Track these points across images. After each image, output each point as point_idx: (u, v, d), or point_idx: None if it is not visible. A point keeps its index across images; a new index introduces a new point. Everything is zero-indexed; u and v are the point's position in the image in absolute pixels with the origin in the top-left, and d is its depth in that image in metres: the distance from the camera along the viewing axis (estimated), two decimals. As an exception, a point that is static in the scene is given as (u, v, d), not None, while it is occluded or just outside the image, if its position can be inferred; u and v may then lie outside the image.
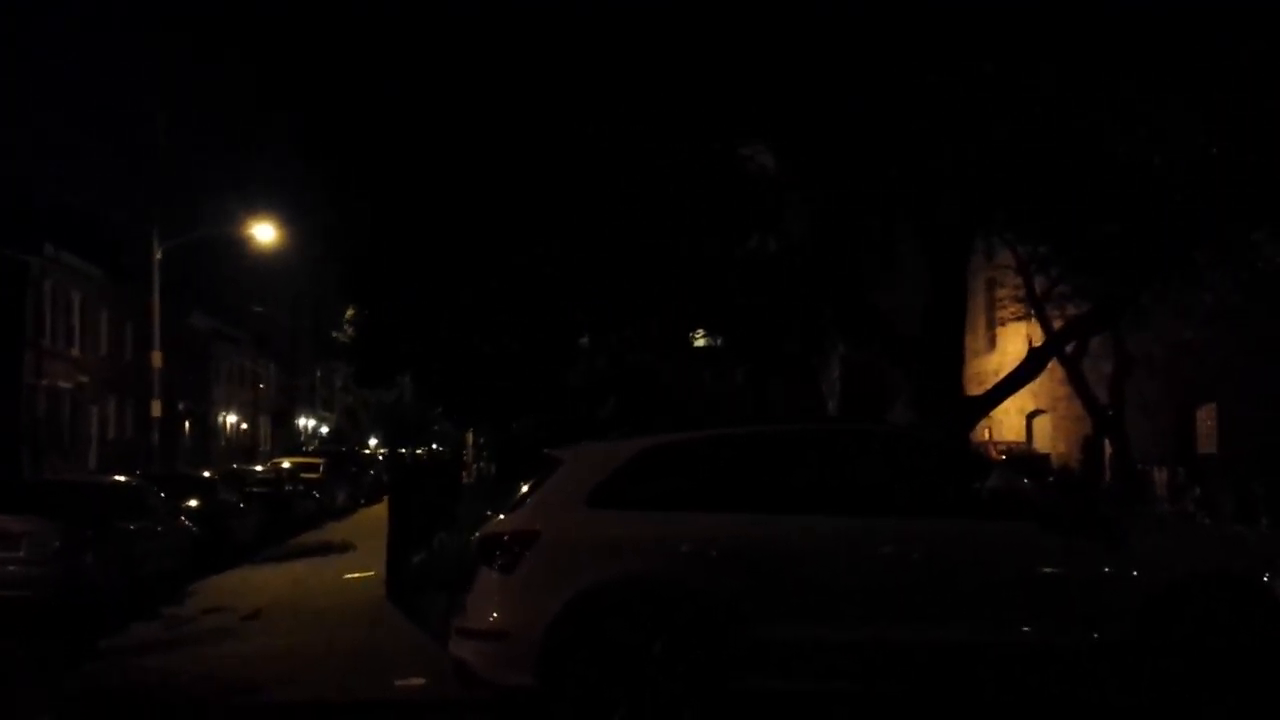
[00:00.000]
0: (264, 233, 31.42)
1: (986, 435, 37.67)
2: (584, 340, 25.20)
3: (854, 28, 9.19)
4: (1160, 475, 21.08)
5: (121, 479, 16.01)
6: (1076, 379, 21.57)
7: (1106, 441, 23.17)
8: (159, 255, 30.89)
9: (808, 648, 6.27)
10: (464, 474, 31.47)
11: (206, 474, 21.28)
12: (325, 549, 18.86)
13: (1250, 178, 9.75)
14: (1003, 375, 12.26)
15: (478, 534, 6.84)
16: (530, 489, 6.95)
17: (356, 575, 14.60)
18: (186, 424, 46.71)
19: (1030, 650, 6.33)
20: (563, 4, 10.66)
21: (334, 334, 22.71)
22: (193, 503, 17.42)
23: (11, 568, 11.63)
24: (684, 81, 11.00)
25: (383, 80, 11.85)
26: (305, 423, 68.72)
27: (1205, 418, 28.97)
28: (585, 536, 6.44)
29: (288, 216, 29.72)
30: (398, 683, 8.24)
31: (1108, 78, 9.10)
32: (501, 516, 6.90)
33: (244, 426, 56.86)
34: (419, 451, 51.42)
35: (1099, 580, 6.37)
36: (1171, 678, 6.22)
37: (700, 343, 26.27)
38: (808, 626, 6.27)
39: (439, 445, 58.58)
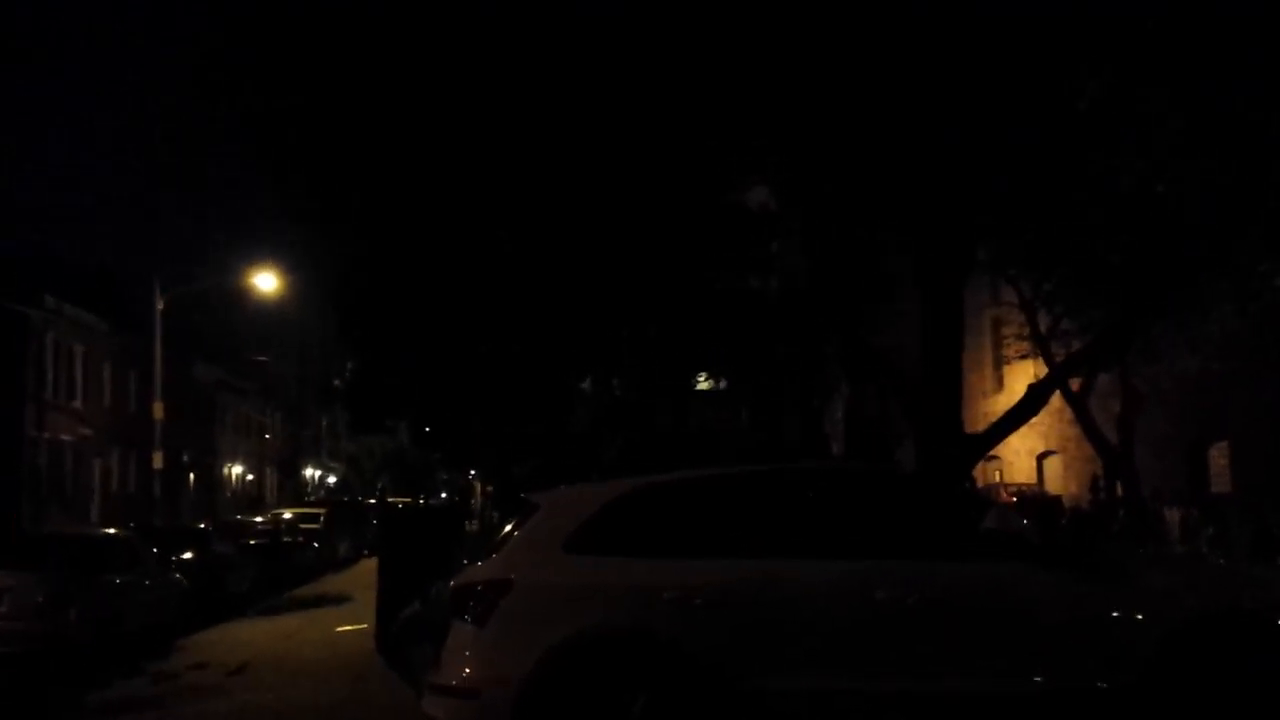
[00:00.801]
0: (266, 282, 31.42)
1: (998, 477, 37.26)
2: (585, 385, 25.02)
3: (851, 66, 9.05)
4: (1173, 514, 20.66)
5: (111, 532, 15.77)
6: (1084, 418, 21.24)
7: (1118, 481, 22.76)
8: (161, 306, 30.88)
9: (798, 699, 5.96)
10: (470, 521, 31.17)
11: (202, 526, 20.98)
12: (320, 601, 18.53)
13: (1254, 205, 9.54)
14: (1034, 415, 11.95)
15: (451, 584, 6.55)
16: (506, 536, 6.68)
17: (349, 628, 14.27)
18: (191, 475, 46.50)
19: (1035, 697, 6.00)
20: (563, 47, 10.58)
21: (335, 381, 22.53)
22: (187, 555, 17.16)
23: (-2, 622, 11.41)
24: (685, 123, 10.90)
25: (380, 139, 11.76)
26: (312, 473, 68.43)
27: (1218, 455, 28.56)
28: (561, 585, 6.14)
29: (290, 265, 29.68)
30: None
31: (1111, 104, 8.94)
32: (478, 565, 6.62)
33: (250, 477, 56.62)
34: (423, 499, 51.07)
35: (1104, 622, 6.05)
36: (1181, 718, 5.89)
37: (703, 385, 26.06)
38: (798, 677, 5.96)
39: (446, 493, 58.27)
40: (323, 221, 13.97)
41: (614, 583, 6.11)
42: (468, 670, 6.09)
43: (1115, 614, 6.02)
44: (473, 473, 45.80)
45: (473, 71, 11.00)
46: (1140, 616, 6.02)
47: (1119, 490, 22.51)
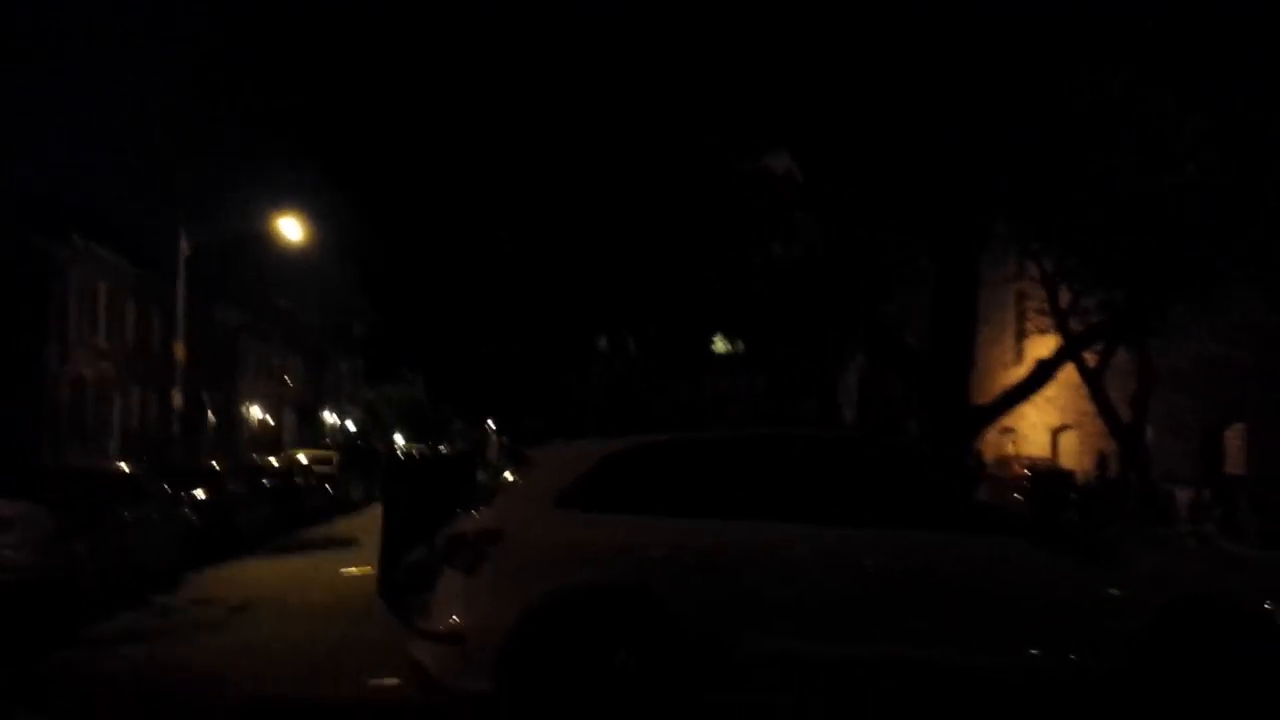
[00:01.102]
0: (291, 229, 31.39)
1: (1011, 450, 37.21)
2: (601, 343, 25.04)
3: (874, 41, 9.00)
4: (1182, 495, 20.58)
5: (123, 467, 15.94)
6: (1098, 394, 21.12)
7: (1130, 459, 22.66)
8: (187, 251, 31.01)
9: (783, 662, 6.01)
10: (483, 471, 31.34)
11: (215, 465, 21.20)
12: (329, 544, 18.76)
13: (1253, 204, 9.45)
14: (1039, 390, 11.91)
15: (447, 532, 6.63)
16: (502, 488, 6.75)
17: (354, 571, 14.46)
18: (210, 415, 46.93)
19: (1018, 673, 6.03)
20: (591, 25, 10.60)
21: (353, 328, 22.64)
22: (199, 493, 17.34)
23: (4, 551, 11.56)
24: (709, 95, 10.90)
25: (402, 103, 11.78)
26: (331, 418, 68.96)
27: (1234, 438, 28.40)
28: (551, 539, 6.20)
29: (314, 212, 29.71)
30: (371, 682, 8.05)
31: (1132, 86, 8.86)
32: (473, 515, 6.69)
33: (269, 420, 57.09)
34: (441, 448, 51.42)
35: (1090, 602, 6.06)
36: (1165, 704, 5.91)
37: (719, 347, 26.04)
38: (783, 640, 6.01)
39: (463, 443, 58.58)
40: (337, 191, 14.03)
41: (603, 539, 6.16)
42: (455, 617, 6.17)
43: (1102, 595, 6.04)
44: (490, 424, 45.99)
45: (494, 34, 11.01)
46: (1127, 598, 6.03)
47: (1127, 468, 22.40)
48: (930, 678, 6.02)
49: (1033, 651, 6.01)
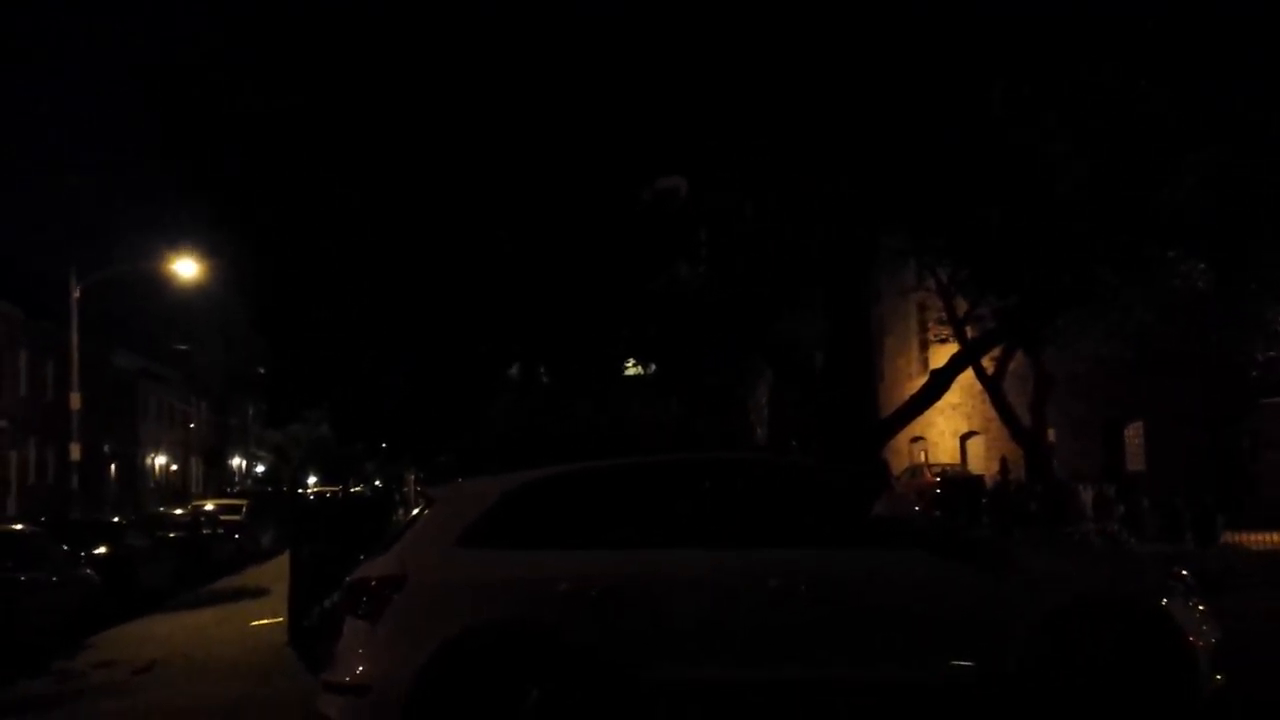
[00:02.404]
0: (185, 268, 30.83)
1: (923, 457, 37.90)
2: (512, 372, 24.86)
3: (758, 58, 9.14)
4: (1086, 493, 21.17)
5: (17, 527, 15.37)
6: (998, 400, 21.66)
7: (1035, 462, 23.24)
8: (77, 293, 30.17)
9: (692, 690, 6.01)
10: (400, 510, 30.87)
11: (115, 520, 20.55)
12: (238, 595, 18.27)
13: (1151, 200, 9.80)
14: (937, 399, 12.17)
15: (346, 580, 6.50)
16: (403, 530, 6.65)
17: (265, 622, 14.10)
18: (113, 466, 45.54)
19: (920, 684, 6.11)
20: (486, 53, 10.62)
21: (260, 369, 22.14)
22: (100, 550, 16.80)
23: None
24: (597, 115, 10.99)
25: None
26: (239, 462, 67.40)
27: (1134, 435, 29.36)
28: (455, 579, 6.12)
29: (207, 250, 29.12)
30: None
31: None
32: (374, 560, 6.57)
33: (174, 468, 55.58)
34: (356, 489, 50.50)
35: (986, 608, 6.17)
36: (1060, 707, 6.03)
37: (631, 372, 26.06)
38: (692, 667, 6.01)
39: (379, 482, 57.64)
40: (225, 225, 13.81)
41: (507, 577, 6.11)
42: (360, 667, 6.05)
43: (996, 600, 6.14)
44: (403, 462, 45.37)
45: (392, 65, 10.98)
46: (1020, 602, 6.13)
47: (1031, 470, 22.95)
48: (836, 694, 6.07)
49: (934, 660, 6.09)
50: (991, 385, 21.61)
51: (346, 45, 10.81)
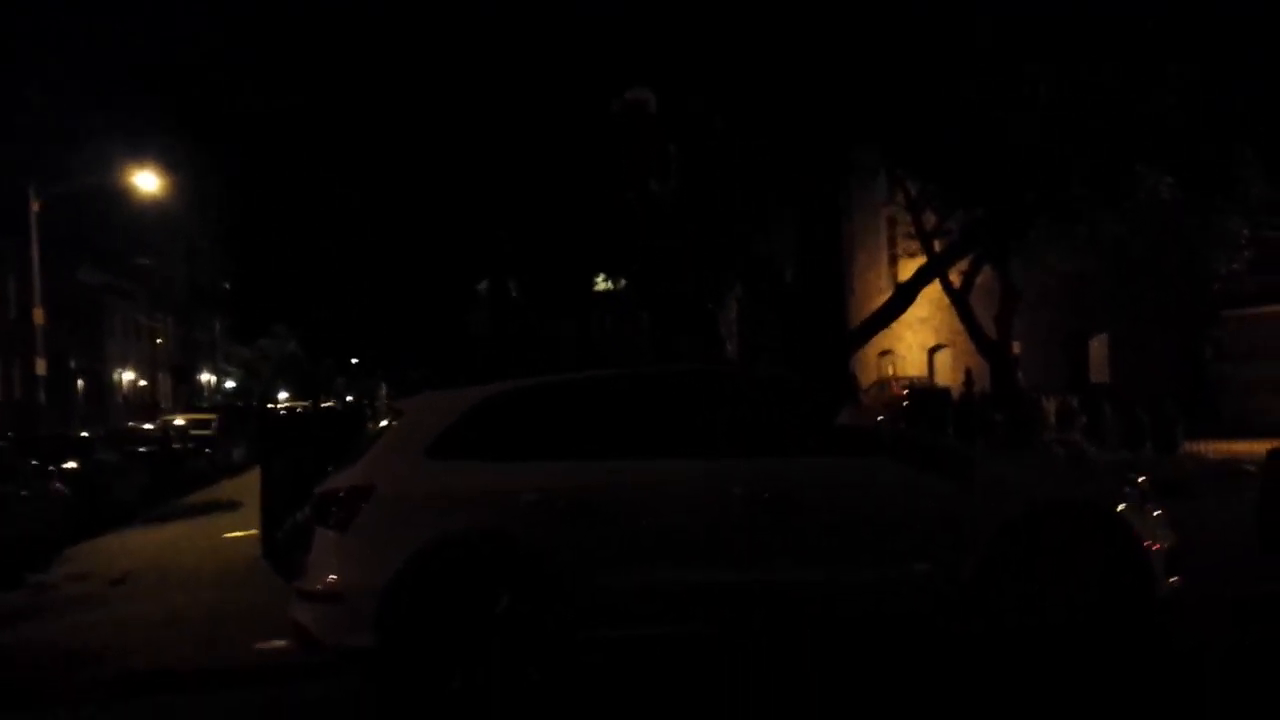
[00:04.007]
0: (146, 182, 30.29)
1: (890, 371, 38.27)
2: (481, 287, 24.79)
3: None
4: (1049, 404, 21.50)
5: (-17, 443, 15.32)
6: (965, 314, 21.83)
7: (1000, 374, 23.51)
8: (37, 207, 29.65)
9: (658, 594, 6.13)
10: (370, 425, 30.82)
11: (85, 434, 20.50)
12: (211, 508, 18.37)
13: (1124, 110, 9.80)
14: (905, 313, 12.23)
15: (316, 491, 6.55)
16: (371, 441, 6.69)
17: (238, 534, 14.20)
18: (80, 383, 45.26)
19: (884, 586, 6.26)
20: None
21: (225, 285, 21.93)
22: (70, 465, 16.79)
23: None
24: (571, 31, 10.83)
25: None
26: (208, 378, 67.10)
27: (1098, 348, 29.75)
28: (424, 490, 6.18)
29: (171, 164, 28.61)
30: (257, 645, 7.95)
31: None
32: (342, 471, 6.62)
33: (142, 383, 55.27)
34: (327, 405, 50.45)
35: (948, 513, 6.30)
36: (1017, 609, 6.20)
37: (601, 287, 26.04)
38: (658, 572, 6.12)
39: (351, 397, 57.64)
40: (194, 142, 13.58)
41: (475, 487, 6.17)
42: (332, 575, 6.13)
43: (957, 506, 6.26)
44: (374, 378, 45.34)
45: None
46: (980, 508, 6.26)
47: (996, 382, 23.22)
48: (798, 597, 6.21)
49: (894, 564, 6.23)
50: (958, 299, 21.76)
51: None
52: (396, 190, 15.89)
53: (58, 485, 15.07)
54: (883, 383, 34.81)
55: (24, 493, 13.59)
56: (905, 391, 30.79)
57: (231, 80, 11.36)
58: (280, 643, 7.85)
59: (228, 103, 13.00)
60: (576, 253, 19.92)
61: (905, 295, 10.40)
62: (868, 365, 37.37)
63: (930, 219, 21.45)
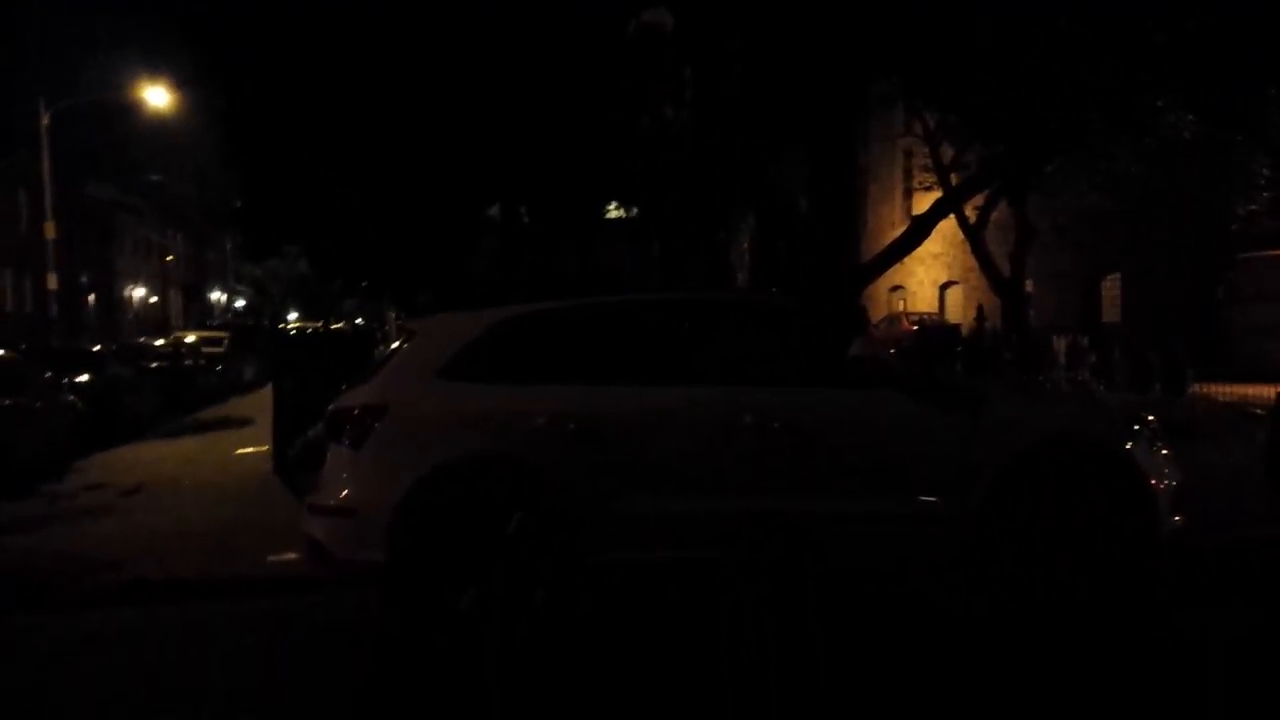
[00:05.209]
0: (156, 97, 30.15)
1: (901, 306, 38.16)
2: (493, 212, 24.65)
3: None
4: (1059, 343, 21.46)
5: (-2, 353, 15.38)
6: (979, 250, 21.70)
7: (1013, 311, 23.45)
8: (46, 120, 29.51)
9: (667, 519, 6.18)
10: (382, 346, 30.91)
11: (97, 348, 20.59)
12: (223, 424, 18.51)
13: (1150, 42, 9.63)
14: (918, 248, 12.15)
15: (329, 408, 6.60)
16: (384, 361, 6.72)
17: (249, 450, 14.35)
18: (91, 298, 45.37)
19: (889, 518, 6.30)
20: None
21: (237, 203, 21.82)
22: (83, 378, 16.88)
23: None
24: None
25: None
26: (218, 296, 67.18)
27: (1111, 287, 29.60)
28: (436, 410, 6.23)
29: (181, 79, 28.38)
30: (269, 558, 8.08)
31: None
32: (355, 389, 6.65)
33: (153, 300, 55.38)
34: (337, 326, 50.54)
35: (955, 446, 6.31)
36: (1022, 542, 6.24)
37: (613, 214, 25.88)
38: (666, 498, 6.17)
39: (361, 319, 57.73)
40: (204, 59, 13.40)
41: (485, 410, 6.21)
42: (345, 491, 6.21)
43: (965, 439, 6.27)
44: (384, 300, 45.34)
45: None
46: (988, 442, 6.27)
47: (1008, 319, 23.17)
48: (804, 524, 6.26)
49: (902, 495, 6.27)
50: (973, 234, 21.62)
51: None
52: (407, 110, 15.73)
53: (70, 398, 15.17)
54: (893, 318, 34.77)
55: (37, 404, 13.69)
56: (915, 327, 30.76)
57: None
58: (291, 555, 7.99)
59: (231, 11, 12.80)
60: (589, 178, 19.77)
61: (921, 228, 10.31)
62: (878, 300, 37.28)
63: (947, 152, 21.23)
